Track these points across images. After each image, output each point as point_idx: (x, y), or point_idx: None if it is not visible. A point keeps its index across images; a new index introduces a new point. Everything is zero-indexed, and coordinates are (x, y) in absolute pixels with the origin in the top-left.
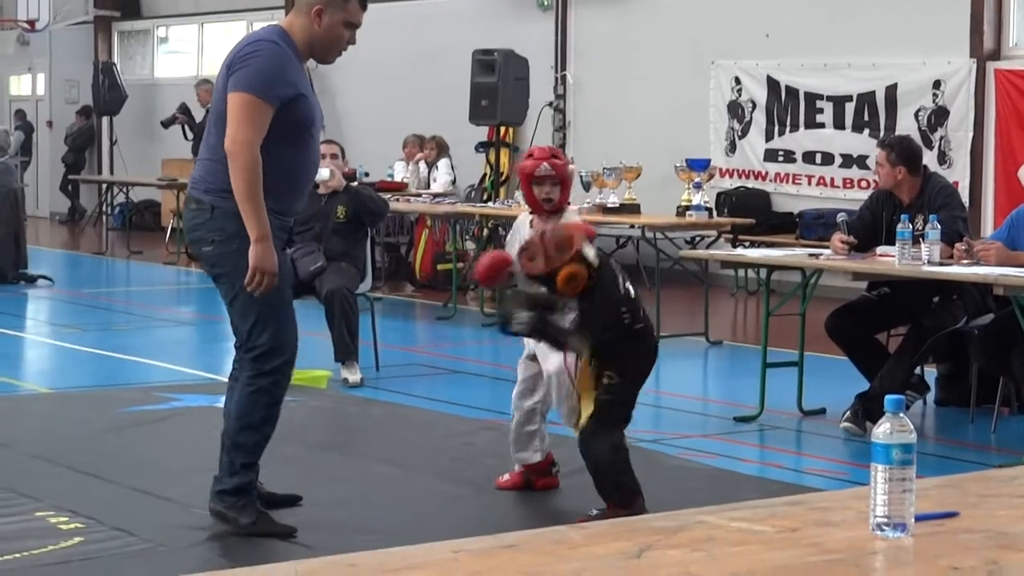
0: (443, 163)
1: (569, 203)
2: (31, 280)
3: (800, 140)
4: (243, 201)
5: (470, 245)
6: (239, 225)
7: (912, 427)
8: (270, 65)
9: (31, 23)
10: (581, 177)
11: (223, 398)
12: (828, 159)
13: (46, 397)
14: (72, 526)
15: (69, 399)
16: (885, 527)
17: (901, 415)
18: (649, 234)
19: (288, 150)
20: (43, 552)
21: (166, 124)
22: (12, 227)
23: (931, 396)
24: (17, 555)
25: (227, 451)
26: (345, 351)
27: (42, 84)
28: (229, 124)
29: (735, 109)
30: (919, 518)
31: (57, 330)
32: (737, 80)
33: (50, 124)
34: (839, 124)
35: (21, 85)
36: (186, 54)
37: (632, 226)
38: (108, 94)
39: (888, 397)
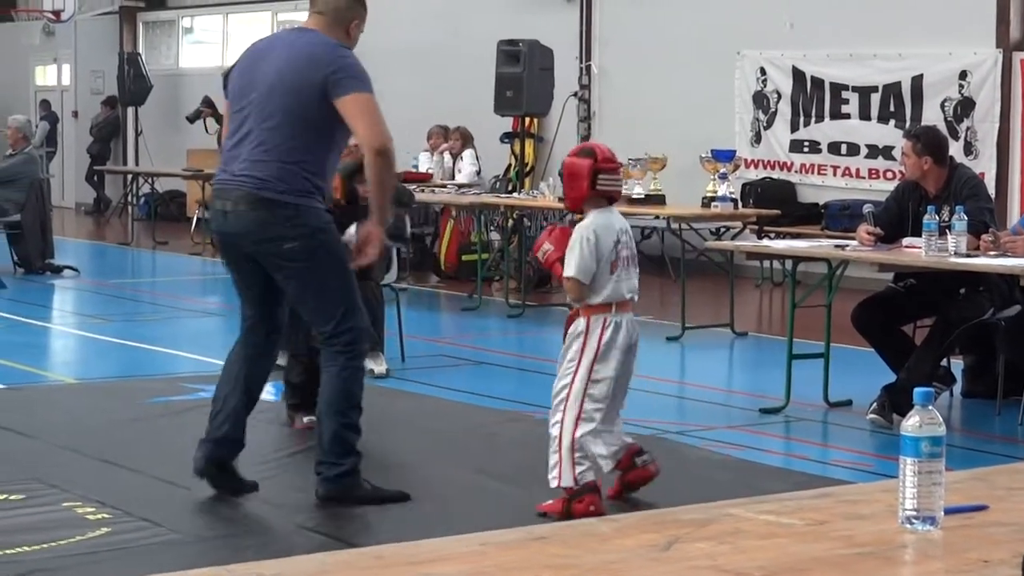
0: (468, 154)
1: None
2: (57, 270)
3: (826, 131)
4: (389, 191)
5: (495, 236)
6: (320, 221)
7: (941, 420)
8: (359, 64)
9: (56, 13)
10: None
11: None
12: (854, 150)
13: (72, 388)
14: (99, 516)
15: (95, 389)
16: (914, 520)
17: (930, 408)
18: (674, 225)
19: (339, 144)
20: (71, 543)
21: (191, 119)
22: (38, 217)
23: (957, 388)
24: (45, 545)
25: (337, 436)
26: (371, 342)
27: (67, 75)
28: (367, 124)
29: (760, 100)
30: (948, 511)
31: (83, 320)
32: (762, 71)
33: (75, 115)
34: (865, 115)
35: (47, 75)
36: (211, 44)
37: (657, 217)
38: (133, 84)
39: (917, 390)
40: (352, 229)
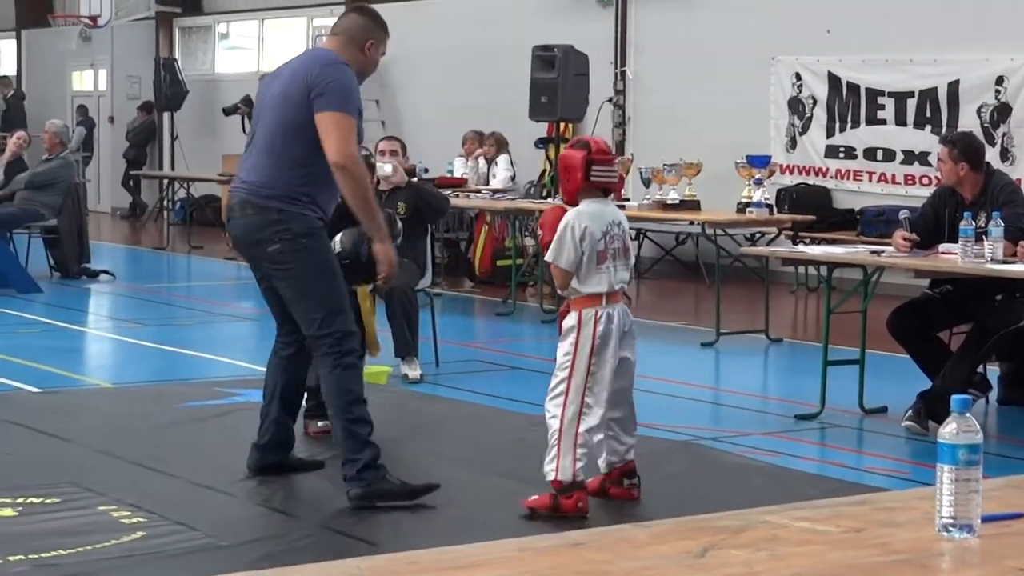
0: (503, 159)
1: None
2: (93, 275)
3: (861, 136)
4: (363, 207)
5: (529, 241)
6: (304, 226)
7: (978, 427)
8: (351, 85)
9: (93, 19)
10: (641, 173)
11: None
12: (889, 155)
13: (108, 392)
14: (135, 520)
15: (131, 394)
16: (951, 528)
17: (967, 415)
18: (709, 231)
19: None
20: (106, 546)
21: (228, 112)
22: (74, 222)
23: (993, 395)
24: (81, 549)
25: (347, 433)
26: (405, 347)
27: (104, 80)
28: (332, 140)
29: (796, 105)
30: (985, 519)
31: (119, 325)
32: (798, 76)
33: (112, 120)
34: (901, 120)
35: (83, 81)
36: (247, 50)
37: (692, 223)
38: (169, 90)
39: (955, 397)
40: (338, 237)
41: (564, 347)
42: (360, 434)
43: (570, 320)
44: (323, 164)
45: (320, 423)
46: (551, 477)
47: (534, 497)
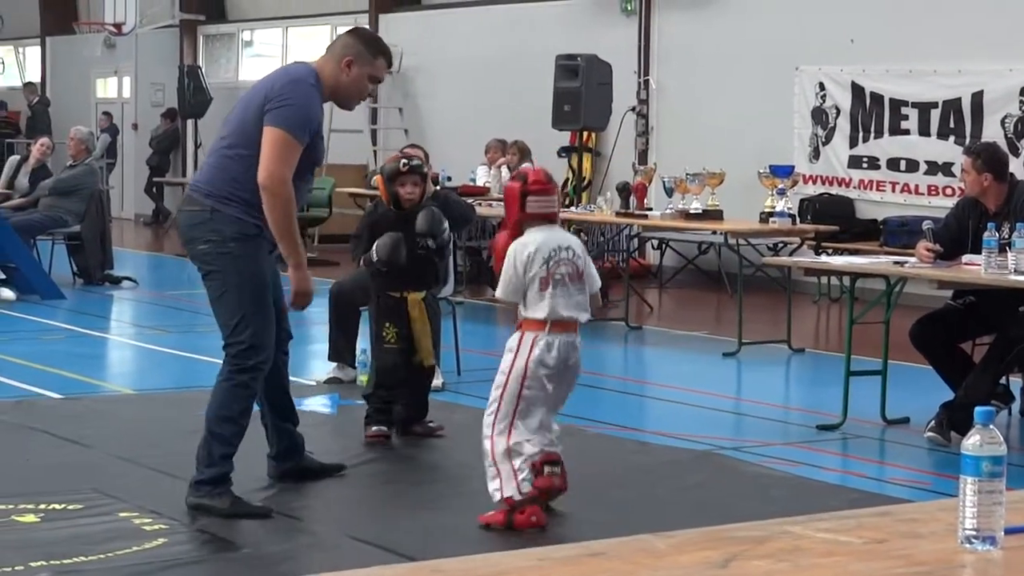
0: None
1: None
2: (116, 281)
3: (884, 147)
4: (283, 232)
5: None
6: (235, 230)
7: (1001, 439)
8: (306, 106)
9: (118, 26)
10: (664, 182)
11: (308, 401)
12: (913, 166)
13: (130, 398)
14: (156, 527)
15: (153, 400)
16: (974, 540)
17: (991, 426)
18: (732, 240)
19: (294, 180)
20: (127, 553)
21: None
22: (98, 229)
23: (1016, 406)
24: (102, 556)
25: (206, 443)
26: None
27: (128, 87)
28: (265, 158)
29: (819, 115)
30: (1008, 531)
31: (141, 331)
32: (821, 86)
33: (135, 127)
34: (924, 131)
35: (107, 88)
36: (271, 57)
37: (715, 232)
38: (193, 97)
39: (978, 409)
40: (376, 244)
41: (501, 365)
42: (215, 452)
43: (511, 340)
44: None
45: (374, 428)
46: (497, 498)
47: (490, 513)
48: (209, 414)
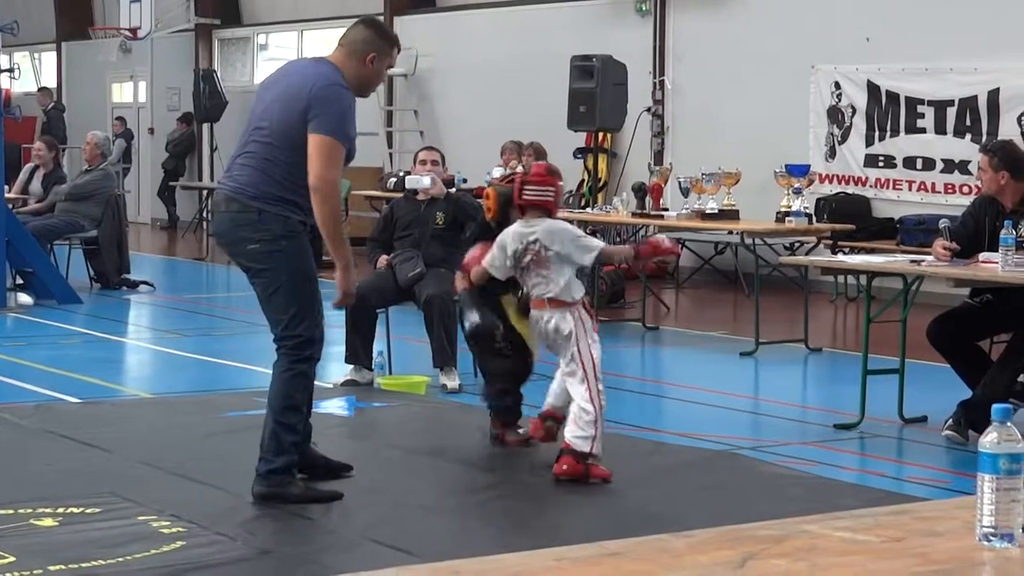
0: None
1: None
2: (133, 285)
3: (901, 145)
4: (333, 234)
5: None
6: (284, 228)
7: (1019, 436)
8: (348, 111)
9: (133, 31)
10: (680, 183)
11: (325, 404)
12: (929, 164)
13: (148, 402)
14: (174, 530)
15: (170, 404)
16: (992, 537)
17: (1009, 424)
18: (748, 240)
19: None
20: (145, 556)
21: None
22: (114, 233)
23: None
24: (119, 559)
25: (273, 434)
26: (444, 357)
27: (144, 91)
28: (316, 163)
29: (835, 114)
30: None
31: (158, 335)
32: (837, 85)
33: (151, 131)
34: (940, 129)
35: (123, 92)
36: (286, 61)
37: (731, 232)
38: (208, 101)
39: (996, 406)
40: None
41: (578, 339)
42: (284, 440)
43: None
44: (305, 171)
45: (520, 431)
46: (587, 449)
47: (564, 467)
48: (274, 405)
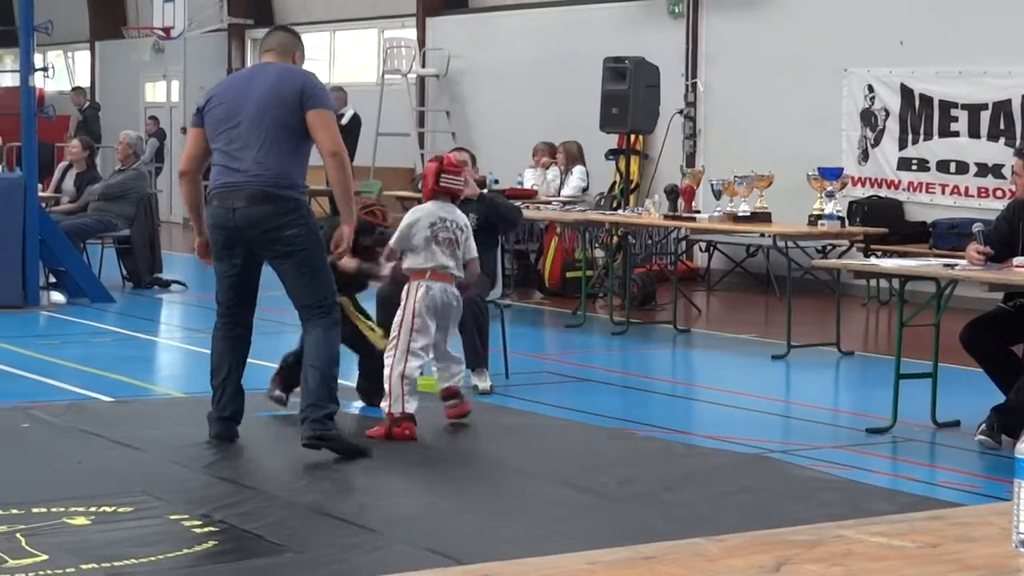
0: (578, 169)
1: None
2: (165, 285)
3: (934, 149)
4: (350, 193)
5: (599, 253)
6: (312, 216)
7: None
8: (322, 83)
9: (166, 31)
10: (712, 185)
11: (354, 404)
12: (963, 168)
13: (180, 401)
14: (206, 530)
15: (203, 403)
16: None
17: None
18: (780, 243)
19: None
20: (177, 556)
21: None
22: (147, 232)
23: None
24: (152, 559)
25: (324, 383)
26: (475, 358)
27: (176, 91)
28: (327, 132)
29: (868, 117)
30: None
31: (190, 334)
32: (870, 88)
33: (184, 130)
34: (974, 133)
35: (156, 92)
36: (318, 61)
37: (763, 235)
38: None
39: None
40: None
41: (399, 309)
42: (333, 389)
43: (406, 289)
44: (305, 157)
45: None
46: (384, 411)
47: (375, 428)
48: (323, 358)
